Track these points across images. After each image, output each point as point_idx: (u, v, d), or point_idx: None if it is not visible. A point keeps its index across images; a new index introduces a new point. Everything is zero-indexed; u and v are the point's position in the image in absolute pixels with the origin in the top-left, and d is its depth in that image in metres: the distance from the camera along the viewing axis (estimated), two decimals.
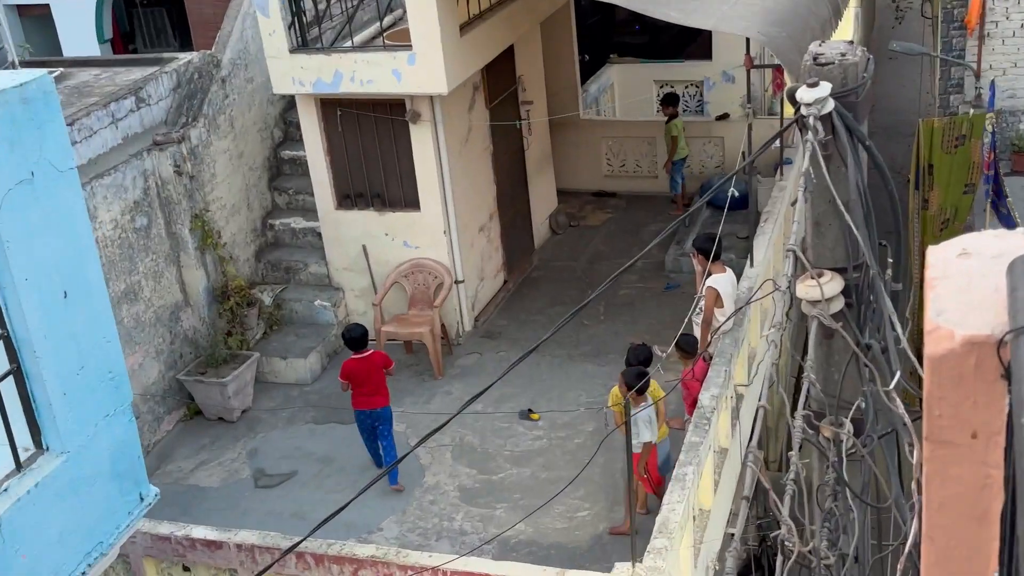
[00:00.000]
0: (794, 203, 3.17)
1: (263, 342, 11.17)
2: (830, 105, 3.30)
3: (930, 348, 1.87)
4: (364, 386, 9.17)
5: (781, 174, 12.05)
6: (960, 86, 14.49)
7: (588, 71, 16.14)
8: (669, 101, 13.61)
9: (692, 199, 13.98)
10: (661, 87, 16.75)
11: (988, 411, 1.84)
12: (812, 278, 3.31)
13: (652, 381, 8.50)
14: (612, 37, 17.23)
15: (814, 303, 3.36)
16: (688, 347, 8.75)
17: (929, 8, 18.12)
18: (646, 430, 8.14)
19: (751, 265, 10.23)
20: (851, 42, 3.52)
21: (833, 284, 3.42)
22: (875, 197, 3.70)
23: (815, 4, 9.93)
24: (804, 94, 3.30)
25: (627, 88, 16.47)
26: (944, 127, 11.75)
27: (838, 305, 3.48)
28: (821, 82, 3.31)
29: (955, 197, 12.02)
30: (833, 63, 3.41)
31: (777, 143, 11.30)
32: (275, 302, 11.33)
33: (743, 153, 10.90)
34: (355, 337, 9.20)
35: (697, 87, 16.53)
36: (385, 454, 9.28)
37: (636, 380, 8.26)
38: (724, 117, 14.33)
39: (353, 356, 9.22)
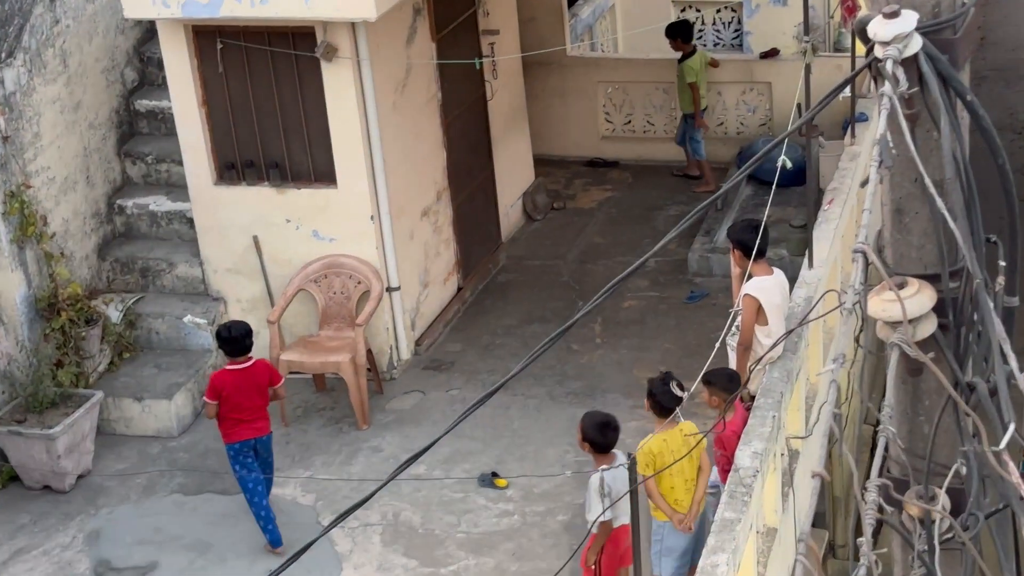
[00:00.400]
0: (864, 183, 3.19)
1: (109, 376, 11.10)
2: (916, 44, 3.34)
3: None
4: (243, 410, 9.32)
5: (853, 136, 12.16)
6: None
7: None
8: (680, 33, 13.92)
9: (725, 172, 14.07)
10: (682, 10, 16.85)
11: None
12: (891, 290, 3.34)
13: (661, 437, 8.54)
14: None
15: (893, 325, 3.38)
16: (722, 385, 8.77)
17: None
18: (597, 502, 8.20)
19: (810, 266, 10.30)
20: None
21: (920, 298, 3.45)
22: (981, 174, 3.74)
23: None
24: (879, 28, 3.33)
25: (634, 11, 16.55)
26: None
27: (928, 328, 3.51)
28: (903, 11, 3.34)
29: None
30: None
31: (846, 93, 11.38)
32: (126, 318, 11.27)
33: (799, 106, 10.93)
34: (234, 337, 9.34)
35: (734, 11, 16.64)
36: (265, 518, 9.54)
37: (598, 432, 8.42)
38: (772, 54, 14.44)
39: (228, 366, 9.36)
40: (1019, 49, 19.91)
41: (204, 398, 9.64)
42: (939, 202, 3.26)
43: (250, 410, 9.32)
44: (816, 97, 10.73)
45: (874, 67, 3.39)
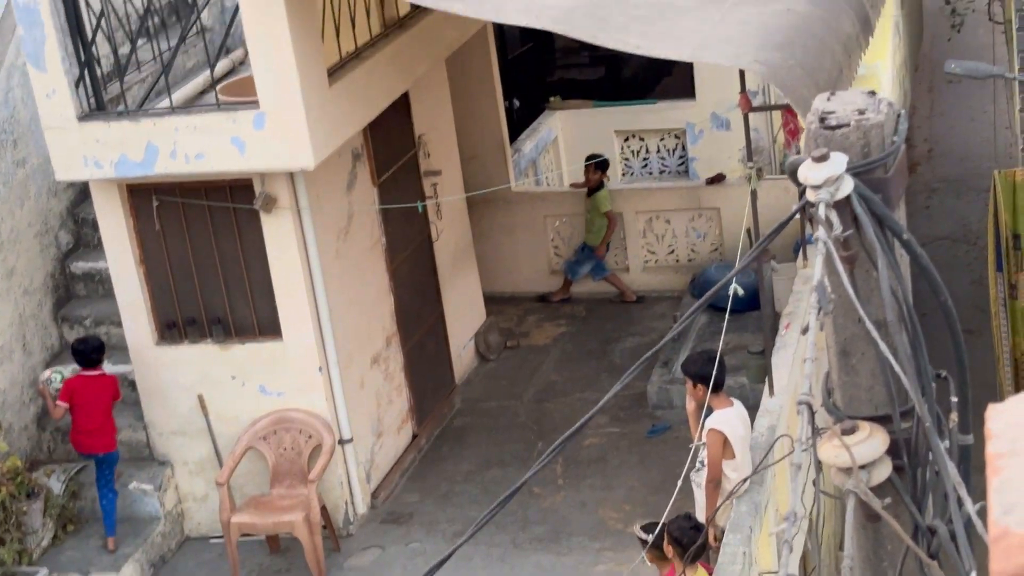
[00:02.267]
0: (805, 331, 3.20)
1: (53, 551, 10.91)
2: (848, 186, 3.37)
3: (998, 563, 1.87)
4: (87, 419, 10.63)
5: (805, 258, 12.27)
6: None
7: (520, 122, 16.42)
8: (601, 165, 14.53)
9: (679, 300, 14.14)
10: (625, 139, 17.08)
11: None
12: (839, 436, 3.33)
13: None
14: (552, 72, 17.59)
15: (846, 471, 3.37)
16: (679, 539, 8.51)
17: (999, 9, 18.83)
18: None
19: (771, 394, 10.32)
20: (872, 93, 3.62)
21: (872, 442, 3.44)
22: (926, 308, 3.76)
23: (834, 16, 10.27)
24: (809, 172, 3.37)
25: (578, 143, 16.74)
26: None
27: (884, 472, 3.50)
28: (832, 153, 3.38)
29: None
30: (848, 125, 3.50)
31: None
32: (69, 489, 11.11)
33: (748, 231, 11.07)
34: (80, 350, 10.72)
35: (678, 138, 16.88)
36: (107, 512, 10.75)
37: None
38: (718, 179, 14.63)
39: (81, 373, 10.68)
40: (967, 160, 20.27)
41: (56, 401, 10.65)
42: (882, 345, 3.27)
43: (95, 421, 10.61)
44: (764, 220, 10.85)
45: (807, 211, 3.43)
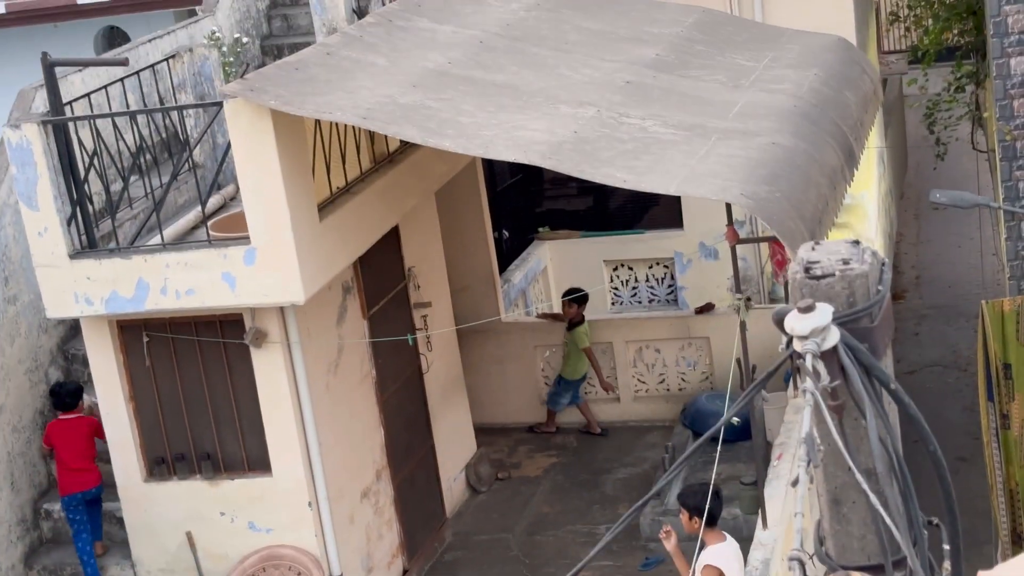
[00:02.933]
0: (795, 483, 3.20)
1: None
2: (834, 336, 3.39)
3: None
4: (70, 459, 11.09)
5: (796, 388, 12.26)
6: None
7: (509, 253, 16.52)
8: (578, 299, 14.51)
9: (671, 430, 14.09)
10: (614, 268, 17.17)
11: None
12: None
13: None
14: (540, 203, 17.74)
15: None
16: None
17: (982, 138, 19.09)
18: None
19: (764, 526, 10.24)
20: (856, 242, 3.66)
21: None
22: (915, 457, 3.76)
23: (818, 149, 10.41)
24: (795, 323, 3.39)
25: (567, 273, 16.83)
26: (1018, 309, 12.14)
27: None
28: (818, 304, 3.41)
29: None
30: (833, 275, 3.53)
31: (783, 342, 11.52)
32: None
33: (737, 360, 11.08)
34: (57, 392, 11.29)
35: (666, 267, 16.98)
36: (93, 523, 11.28)
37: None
38: (707, 308, 14.69)
39: (59, 417, 11.22)
40: (955, 286, 20.39)
41: (43, 444, 11.40)
42: (872, 497, 3.27)
43: (78, 461, 11.09)
44: (754, 350, 10.88)
45: (794, 361, 3.44)
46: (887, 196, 20.16)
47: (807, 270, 3.57)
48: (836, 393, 3.45)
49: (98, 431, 11.08)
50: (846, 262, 3.55)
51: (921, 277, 21.25)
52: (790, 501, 10.69)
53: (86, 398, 11.41)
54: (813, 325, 3.37)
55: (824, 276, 3.54)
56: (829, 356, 3.42)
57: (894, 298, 18.11)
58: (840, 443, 3.36)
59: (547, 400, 14.63)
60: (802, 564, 3.10)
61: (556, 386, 14.57)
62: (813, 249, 3.63)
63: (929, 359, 18.06)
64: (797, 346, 3.40)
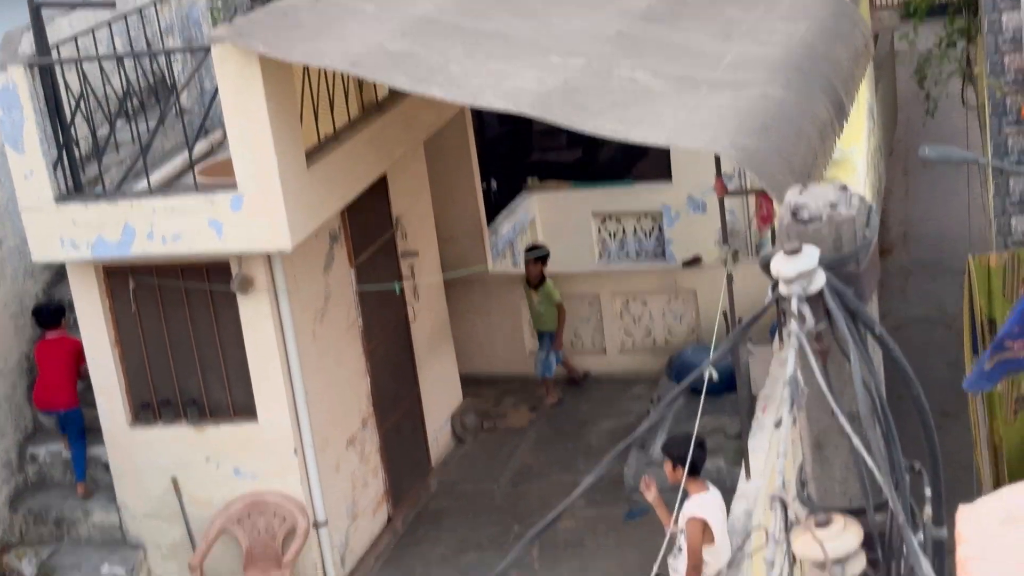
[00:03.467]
0: (778, 425, 3.21)
1: None
2: (820, 280, 3.40)
3: None
4: (49, 377, 11.29)
5: (781, 340, 12.29)
6: None
7: (498, 203, 16.50)
8: (542, 257, 14.32)
9: (656, 383, 14.13)
10: (602, 221, 17.15)
11: None
12: (812, 529, 3.33)
13: None
14: (529, 154, 17.70)
15: (820, 565, 3.36)
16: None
17: (972, 94, 19.08)
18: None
19: (747, 477, 10.29)
20: (844, 187, 3.66)
21: (846, 536, 3.44)
22: (896, 387, 3.77)
23: (808, 102, 10.39)
24: (782, 265, 3.39)
25: (555, 225, 16.83)
26: (1004, 265, 12.17)
27: (858, 566, 3.49)
28: (805, 247, 3.41)
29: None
30: (820, 219, 3.53)
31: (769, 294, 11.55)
32: (41, 573, 10.98)
33: (724, 313, 11.10)
34: (47, 311, 11.45)
35: (654, 220, 16.97)
36: (76, 460, 11.40)
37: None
38: (695, 262, 14.70)
39: (46, 337, 11.39)
40: (941, 243, 20.42)
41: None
42: (855, 439, 3.28)
43: (56, 379, 11.23)
44: (740, 303, 10.89)
45: (780, 304, 3.45)
46: (876, 151, 20.14)
47: (794, 214, 3.57)
48: (821, 337, 3.46)
49: (80, 355, 11.11)
50: (833, 206, 3.56)
51: (908, 233, 21.29)
52: (773, 450, 10.75)
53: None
54: (799, 268, 3.37)
55: (811, 220, 3.55)
56: (815, 300, 3.42)
57: (881, 254, 18.15)
58: (824, 386, 3.37)
59: (538, 370, 14.31)
60: (784, 504, 3.11)
61: (541, 350, 14.37)
62: (801, 193, 3.63)
63: (915, 315, 18.12)
64: (783, 289, 3.41)
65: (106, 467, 11.28)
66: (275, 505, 10.84)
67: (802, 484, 3.82)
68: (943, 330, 17.74)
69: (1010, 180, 14.74)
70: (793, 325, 3.32)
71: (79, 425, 11.37)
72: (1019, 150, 14.77)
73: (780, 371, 11.96)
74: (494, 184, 16.51)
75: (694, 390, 12.44)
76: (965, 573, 1.95)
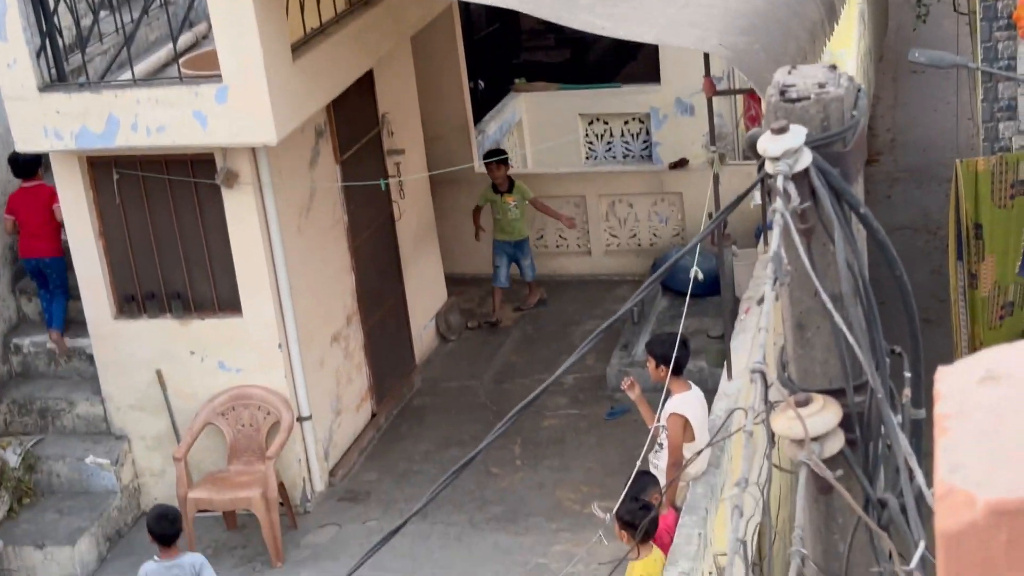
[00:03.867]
0: (760, 301, 3.22)
1: (9, 523, 10.87)
2: (806, 159, 3.39)
3: (943, 520, 1.90)
4: (31, 226, 11.44)
5: (766, 243, 12.32)
6: (1012, 109, 15.08)
7: (485, 104, 16.41)
8: (505, 159, 14.01)
9: (640, 284, 14.16)
10: (589, 122, 17.09)
11: None
12: (793, 407, 3.35)
13: None
14: (517, 54, 17.58)
15: (800, 443, 3.39)
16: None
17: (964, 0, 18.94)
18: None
19: (729, 377, 10.37)
20: (833, 67, 3.64)
21: (825, 415, 3.46)
22: (882, 283, 3.78)
23: (799, 2, 10.31)
24: (768, 144, 3.38)
25: (542, 126, 16.76)
26: (992, 170, 12.17)
27: (836, 445, 3.53)
28: (792, 126, 3.40)
29: (1015, 270, 12.37)
30: (808, 98, 3.51)
31: (757, 200, 11.58)
32: (25, 462, 11.06)
33: (709, 215, 11.11)
34: (25, 159, 11.27)
35: (642, 122, 16.91)
36: (55, 310, 11.49)
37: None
38: (681, 164, 14.67)
39: (22, 186, 11.53)
40: (929, 150, 20.39)
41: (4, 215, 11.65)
42: (837, 318, 3.29)
43: (37, 227, 11.39)
44: (726, 204, 10.90)
45: (766, 183, 3.44)
46: (866, 56, 20.04)
47: (782, 93, 3.55)
48: (806, 216, 3.45)
49: (54, 197, 11.14)
50: (822, 86, 3.54)
51: (896, 140, 21.25)
52: (754, 354, 10.83)
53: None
54: (786, 146, 3.36)
55: (799, 99, 3.53)
56: (800, 179, 3.41)
57: (868, 161, 18.13)
58: (807, 266, 3.37)
59: (528, 275, 14.10)
60: (764, 376, 3.13)
61: (524, 257, 14.07)
62: (789, 73, 3.61)
63: (900, 222, 18.13)
64: (769, 168, 3.40)
65: (90, 358, 11.30)
66: (259, 399, 10.89)
67: (783, 365, 3.84)
68: (928, 237, 17.78)
69: (999, 85, 14.67)
70: (778, 203, 3.32)
71: (62, 277, 11.46)
72: (1009, 55, 14.68)
73: (764, 273, 12.00)
74: (481, 84, 16.42)
75: (678, 292, 12.54)
76: (942, 429, 1.96)
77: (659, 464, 9.52)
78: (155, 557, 9.15)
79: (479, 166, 14.82)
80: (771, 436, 3.49)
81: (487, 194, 13.99)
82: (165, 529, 9.08)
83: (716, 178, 10.33)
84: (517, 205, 13.89)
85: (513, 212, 13.90)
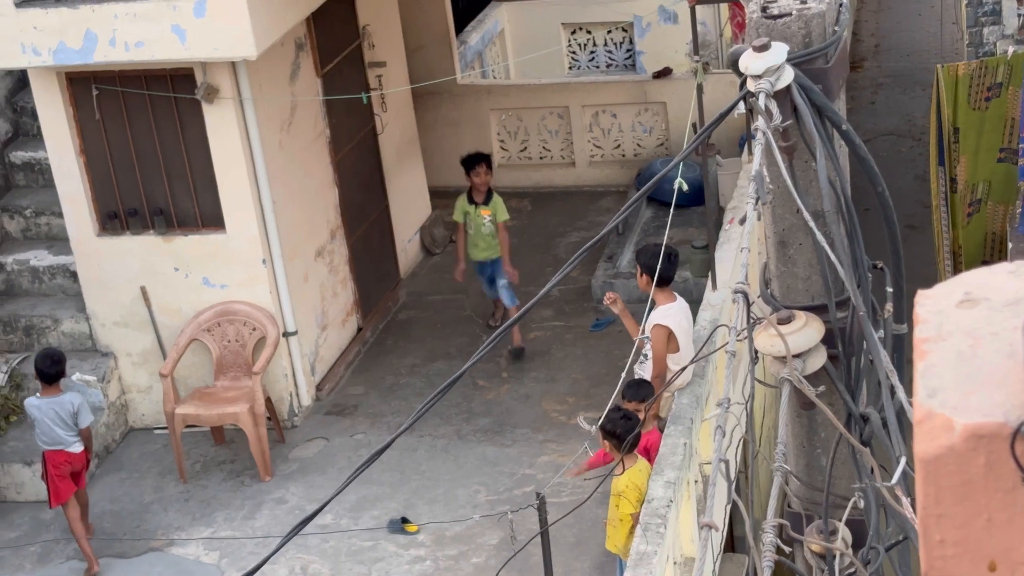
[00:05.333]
0: (742, 221, 3.22)
1: None
2: (788, 76, 3.38)
3: (922, 444, 1.91)
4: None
5: (750, 153, 12.29)
6: (996, 13, 15.01)
7: (466, 14, 16.26)
8: (490, 162, 12.16)
9: (625, 195, 14.15)
10: (572, 32, 16.96)
11: (1009, 531, 1.89)
12: (774, 325, 3.37)
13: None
14: None
15: (781, 360, 3.42)
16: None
17: None
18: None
19: (714, 287, 10.40)
20: None
21: (808, 331, 3.49)
22: (864, 191, 3.79)
23: None
24: (750, 61, 3.37)
25: (524, 37, 16.64)
26: (972, 74, 12.14)
27: (819, 361, 3.55)
28: (773, 43, 3.38)
29: (987, 168, 12.41)
30: (790, 15, 3.49)
31: (741, 110, 11.52)
32: (11, 380, 11.08)
33: (693, 125, 11.07)
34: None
35: (625, 31, 16.79)
36: None
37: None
38: (665, 73, 14.59)
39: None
40: (913, 55, 20.30)
41: None
42: (818, 235, 3.30)
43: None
44: (710, 115, 10.84)
45: (747, 101, 3.43)
46: None
47: (764, 9, 3.53)
48: (788, 134, 3.45)
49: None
50: (803, 1, 3.52)
51: (880, 45, 21.13)
52: (738, 265, 10.84)
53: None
54: (767, 64, 3.35)
55: (781, 15, 3.51)
56: (782, 96, 3.41)
57: (852, 68, 17.98)
58: (789, 183, 3.37)
59: (507, 301, 11.93)
60: (746, 296, 3.14)
61: (499, 278, 11.97)
62: None
63: (884, 128, 18.10)
64: (751, 85, 3.38)
65: (74, 275, 11.28)
66: (245, 314, 10.90)
67: (766, 283, 3.86)
68: (912, 143, 17.75)
69: None
70: (760, 121, 3.31)
71: None
72: None
73: (748, 183, 11.99)
74: None
75: (663, 203, 12.53)
76: (920, 353, 1.97)
77: (644, 375, 9.57)
78: (37, 394, 9.89)
79: (461, 77, 14.72)
80: (754, 353, 3.52)
81: (462, 205, 12.00)
82: (47, 368, 9.73)
83: (700, 87, 10.27)
84: (492, 220, 11.93)
85: (488, 227, 11.90)
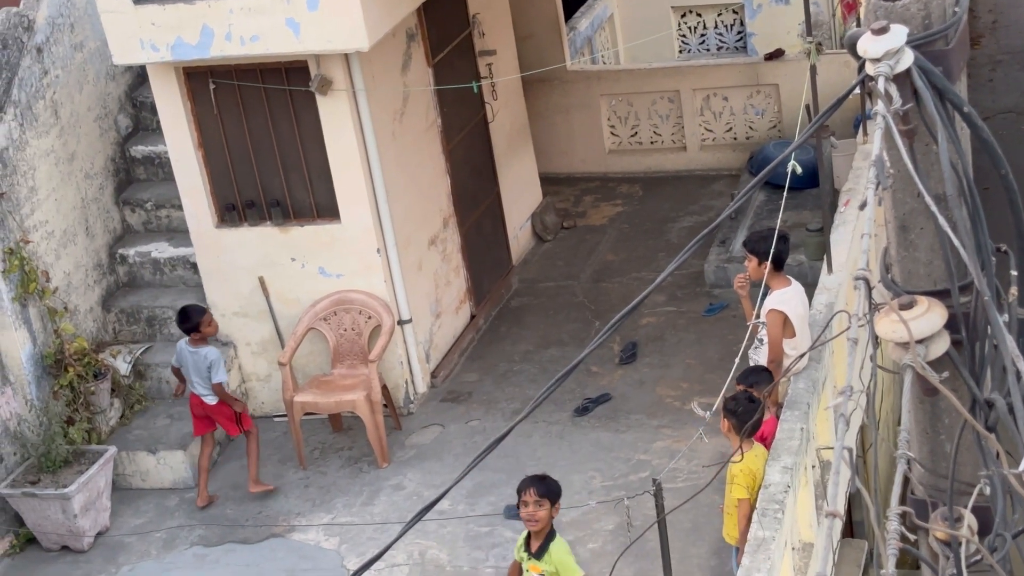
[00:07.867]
0: (863, 206, 3.19)
1: (121, 430, 11.14)
2: (908, 59, 3.33)
3: None
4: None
5: (865, 134, 12.14)
6: None
7: (576, 0, 16.25)
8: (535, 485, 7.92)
9: (737, 178, 14.03)
10: (682, 15, 16.87)
11: None
12: (896, 310, 3.33)
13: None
14: None
15: (904, 346, 3.38)
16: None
17: None
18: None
19: (830, 271, 10.29)
20: None
21: (931, 317, 3.44)
22: (983, 179, 3.73)
23: None
24: (869, 45, 3.33)
25: (633, 21, 16.58)
26: None
27: (942, 347, 3.50)
28: (892, 25, 3.34)
29: None
30: None
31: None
32: (135, 370, 11.32)
33: (807, 107, 10.96)
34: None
35: (736, 13, 16.65)
36: None
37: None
38: (777, 55, 14.45)
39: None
40: None
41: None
42: (941, 219, 3.26)
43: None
44: (824, 96, 10.73)
45: (867, 85, 3.39)
46: None
47: None
48: (908, 117, 3.40)
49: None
50: None
51: (998, 21, 20.70)
52: (855, 248, 10.69)
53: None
54: (887, 47, 3.30)
55: None
56: (902, 79, 3.36)
57: (970, 44, 17.68)
58: (911, 167, 3.33)
59: None
60: (867, 282, 3.11)
61: None
62: None
63: (1003, 105, 17.74)
64: (870, 69, 3.35)
65: (194, 267, 11.49)
66: (361, 303, 11.02)
67: (886, 268, 3.82)
68: None
69: None
70: (880, 105, 3.27)
71: None
72: None
73: (863, 164, 11.85)
74: None
75: (776, 186, 12.42)
76: None
77: (759, 360, 9.49)
78: (185, 341, 10.51)
79: (570, 64, 14.72)
80: (875, 339, 3.48)
81: (519, 546, 8.04)
82: (178, 323, 10.55)
83: (813, 69, 10.17)
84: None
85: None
